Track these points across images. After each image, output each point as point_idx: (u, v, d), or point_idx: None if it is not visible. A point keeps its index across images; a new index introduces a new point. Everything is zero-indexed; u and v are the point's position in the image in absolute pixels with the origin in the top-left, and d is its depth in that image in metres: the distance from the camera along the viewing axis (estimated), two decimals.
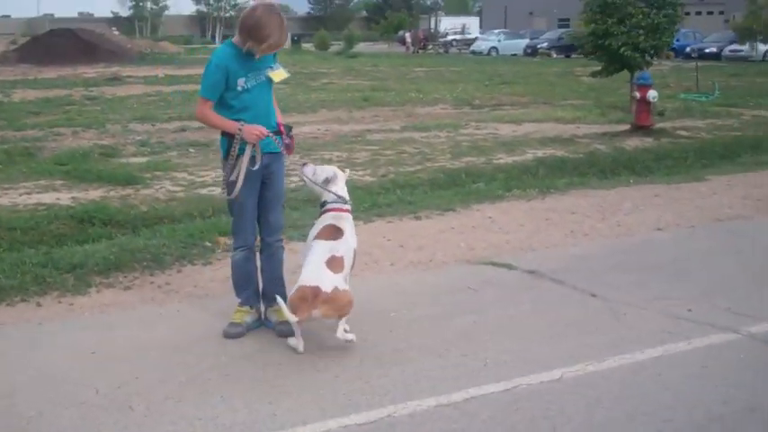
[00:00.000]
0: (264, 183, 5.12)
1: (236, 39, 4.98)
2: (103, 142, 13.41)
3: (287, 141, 5.10)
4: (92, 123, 15.75)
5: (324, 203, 5.14)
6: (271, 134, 4.96)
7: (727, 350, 4.88)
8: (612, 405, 4.19)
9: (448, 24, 74.06)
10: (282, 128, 5.12)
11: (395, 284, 6.16)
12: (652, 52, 16.70)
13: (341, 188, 5.16)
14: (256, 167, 4.97)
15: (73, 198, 9.37)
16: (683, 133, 14.81)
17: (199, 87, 5.09)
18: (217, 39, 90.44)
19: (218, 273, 6.31)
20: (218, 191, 9.60)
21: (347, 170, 5.35)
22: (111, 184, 10.18)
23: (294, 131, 5.32)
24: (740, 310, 5.51)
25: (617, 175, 11.55)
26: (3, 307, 5.53)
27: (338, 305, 4.74)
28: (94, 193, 9.72)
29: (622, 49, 16.25)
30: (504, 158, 12.42)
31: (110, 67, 34.23)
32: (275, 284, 5.27)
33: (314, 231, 5.08)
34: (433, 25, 72.46)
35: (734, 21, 39.57)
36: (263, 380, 4.46)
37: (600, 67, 17.67)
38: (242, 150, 4.93)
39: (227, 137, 4.98)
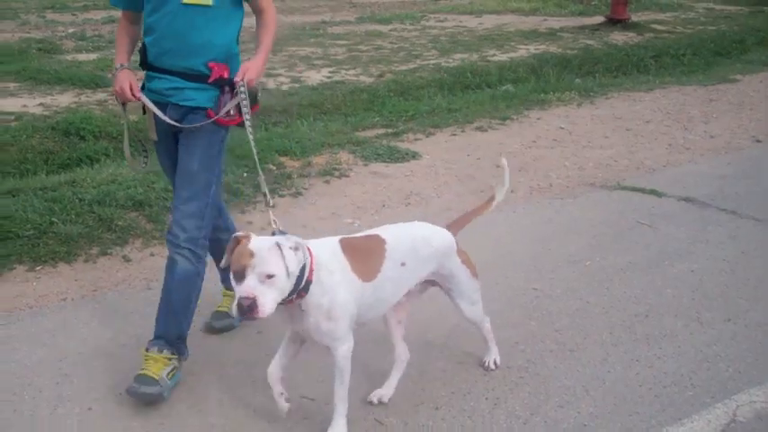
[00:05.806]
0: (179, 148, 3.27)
1: None
2: (31, 35, 11.41)
3: (226, 102, 3.13)
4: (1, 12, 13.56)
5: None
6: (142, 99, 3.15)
7: None
8: None
9: None
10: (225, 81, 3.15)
11: (547, 219, 5.02)
12: None
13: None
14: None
15: (42, 105, 7.70)
16: (659, 27, 14.03)
17: None
18: None
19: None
20: None
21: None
22: (76, 86, 8.52)
23: None
24: None
25: (625, 74, 10.71)
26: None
27: None
28: (62, 99, 8.08)
29: None
30: (497, 55, 11.30)
31: None
32: None
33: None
34: None
35: None
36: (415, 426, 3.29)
37: None
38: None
39: None
